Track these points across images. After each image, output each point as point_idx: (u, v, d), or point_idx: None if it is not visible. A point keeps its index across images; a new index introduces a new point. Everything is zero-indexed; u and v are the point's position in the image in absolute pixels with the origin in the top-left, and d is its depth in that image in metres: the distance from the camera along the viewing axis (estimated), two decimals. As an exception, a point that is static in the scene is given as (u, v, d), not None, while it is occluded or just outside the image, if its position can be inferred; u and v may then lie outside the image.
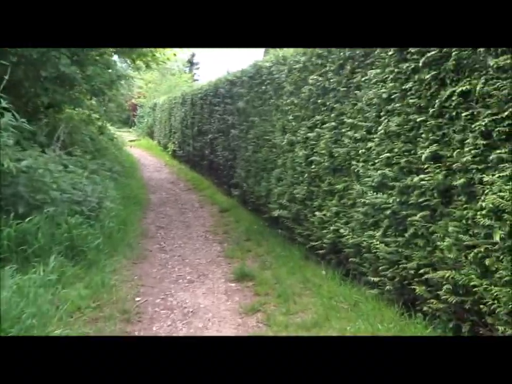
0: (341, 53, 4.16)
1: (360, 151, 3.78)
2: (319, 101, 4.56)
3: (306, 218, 4.83)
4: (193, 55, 36.03)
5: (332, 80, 4.30)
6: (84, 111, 7.98)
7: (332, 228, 4.19)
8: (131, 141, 21.14)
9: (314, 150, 4.62)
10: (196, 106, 10.96)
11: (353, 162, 3.90)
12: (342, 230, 4.02)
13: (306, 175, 4.79)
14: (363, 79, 3.83)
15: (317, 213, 4.53)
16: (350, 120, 3.99)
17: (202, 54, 42.66)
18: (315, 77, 4.61)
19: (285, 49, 5.68)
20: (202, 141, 10.25)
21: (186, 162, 12.66)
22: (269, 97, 5.99)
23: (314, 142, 4.62)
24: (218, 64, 43.05)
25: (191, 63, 35.54)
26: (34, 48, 5.39)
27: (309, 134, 4.72)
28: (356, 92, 3.94)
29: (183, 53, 32.46)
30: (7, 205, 3.98)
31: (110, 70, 6.18)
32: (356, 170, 3.86)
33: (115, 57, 10.58)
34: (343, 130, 4.09)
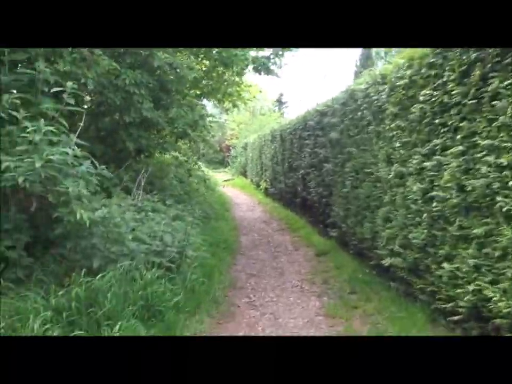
0: (464, 56, 3.21)
1: (510, 183, 2.72)
2: (436, 121, 3.59)
3: (429, 270, 3.77)
4: (281, 95, 36.62)
5: (453, 93, 3.34)
6: (174, 154, 7.88)
7: (470, 287, 3.09)
8: (225, 180, 21.59)
9: (434, 183, 3.61)
10: (285, 142, 10.47)
11: (499, 198, 2.83)
12: (487, 292, 2.91)
13: (425, 215, 3.77)
14: (503, 84, 2.83)
15: (445, 264, 3.46)
16: (486, 142, 2.96)
17: (291, 93, 43.32)
18: (428, 92, 3.67)
19: (382, 66, 4.87)
20: (294, 177, 9.65)
21: (279, 199, 12.15)
22: (367, 123, 5.14)
23: (434, 173, 3.61)
24: (307, 101, 43.17)
25: (280, 101, 36.08)
26: (118, 95, 5.32)
27: (426, 164, 3.74)
28: (492, 103, 2.93)
29: (270, 93, 33.21)
30: (83, 258, 3.67)
31: (193, 112, 5.93)
32: (504, 210, 2.78)
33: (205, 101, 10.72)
34: (478, 155, 3.06)
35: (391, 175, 4.39)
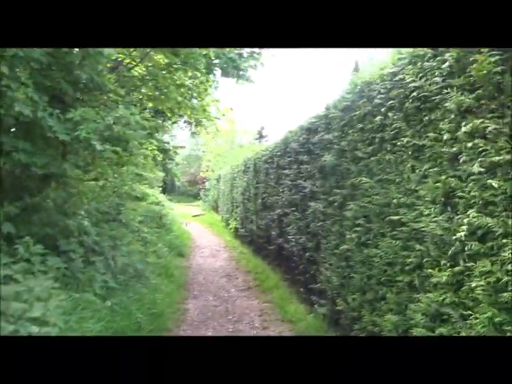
0: None
1: None
2: None
3: None
4: (262, 128, 35.12)
5: None
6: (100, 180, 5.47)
7: None
8: (194, 216, 19.23)
9: None
10: (259, 173, 8.30)
11: None
12: None
13: None
14: None
15: None
16: None
17: (271, 128, 41.92)
18: None
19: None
20: (267, 218, 7.44)
21: (250, 243, 9.88)
22: (394, 134, 2.93)
23: None
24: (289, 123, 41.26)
25: (260, 135, 34.57)
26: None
27: None
28: None
29: (250, 126, 31.56)
30: None
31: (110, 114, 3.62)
32: None
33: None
34: None
35: (460, 233, 2.10)
